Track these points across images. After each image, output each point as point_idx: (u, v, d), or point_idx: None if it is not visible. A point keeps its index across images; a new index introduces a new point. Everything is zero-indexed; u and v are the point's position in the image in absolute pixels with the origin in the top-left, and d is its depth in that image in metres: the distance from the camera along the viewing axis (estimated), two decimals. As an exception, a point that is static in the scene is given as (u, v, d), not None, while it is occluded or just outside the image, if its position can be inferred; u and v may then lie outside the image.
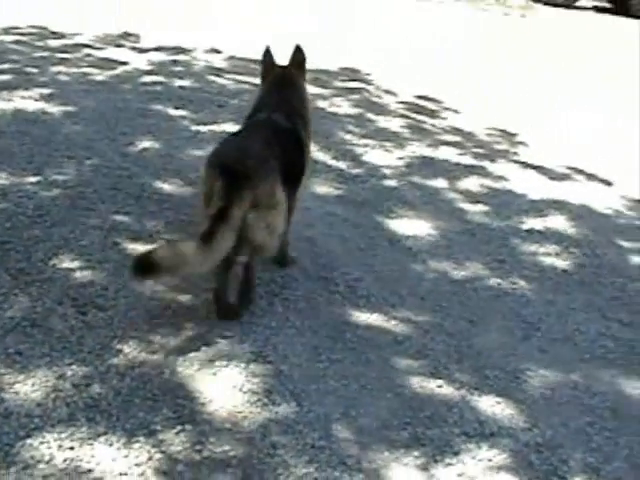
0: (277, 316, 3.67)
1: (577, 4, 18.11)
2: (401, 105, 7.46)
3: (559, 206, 5.53)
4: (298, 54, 4.20)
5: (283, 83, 4.14)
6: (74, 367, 3.11)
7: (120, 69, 7.21)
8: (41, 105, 5.98)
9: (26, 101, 6.02)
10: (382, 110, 7.16)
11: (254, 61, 7.88)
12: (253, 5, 11.67)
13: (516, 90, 8.78)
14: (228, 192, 3.33)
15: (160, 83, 6.88)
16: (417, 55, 9.79)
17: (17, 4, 9.53)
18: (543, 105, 8.27)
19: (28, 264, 3.78)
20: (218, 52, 8.13)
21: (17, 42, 7.81)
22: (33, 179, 4.68)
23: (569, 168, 6.35)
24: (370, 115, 6.95)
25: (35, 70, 6.89)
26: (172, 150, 5.40)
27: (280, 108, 3.98)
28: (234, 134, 3.96)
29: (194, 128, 5.88)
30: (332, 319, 3.74)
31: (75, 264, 3.82)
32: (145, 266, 3.22)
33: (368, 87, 7.92)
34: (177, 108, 6.23)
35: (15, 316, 3.38)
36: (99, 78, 6.87)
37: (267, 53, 4.22)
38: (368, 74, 8.36)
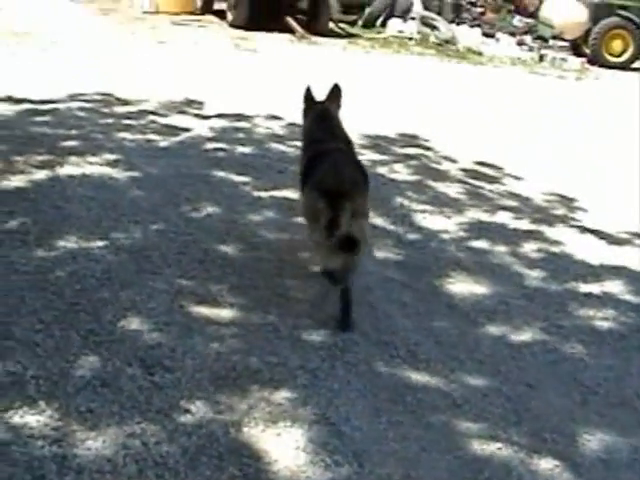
0: (339, 379, 3.74)
1: (634, 65, 18.14)
2: (460, 171, 7.54)
3: (617, 271, 5.55)
4: (335, 90, 4.99)
5: (326, 116, 4.86)
6: (143, 426, 3.21)
7: (184, 135, 7.40)
8: (107, 171, 6.18)
9: (93, 167, 6.21)
10: (441, 176, 7.24)
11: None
12: (311, 74, 11.90)
13: (574, 154, 8.82)
14: (334, 206, 4.06)
15: (222, 149, 7.05)
16: (475, 120, 9.88)
17: (84, 71, 9.87)
18: (601, 169, 8.30)
19: (98, 325, 3.91)
20: (278, 119, 8.30)
21: (83, 109, 8.05)
22: (101, 243, 4.84)
23: (628, 233, 6.36)
24: (429, 181, 7.04)
25: (101, 136, 7.11)
26: (235, 215, 5.54)
27: (337, 137, 4.74)
28: (314, 161, 4.52)
29: (256, 194, 6.02)
30: (392, 382, 3.81)
31: (143, 326, 3.95)
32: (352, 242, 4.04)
33: (427, 153, 8.01)
34: (239, 174, 6.38)
35: (86, 375, 3.51)
36: (163, 144, 7.07)
37: (308, 91, 4.97)
38: (427, 140, 8.46)
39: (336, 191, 4.15)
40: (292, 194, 5.98)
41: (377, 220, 5.80)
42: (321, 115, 4.87)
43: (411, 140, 8.47)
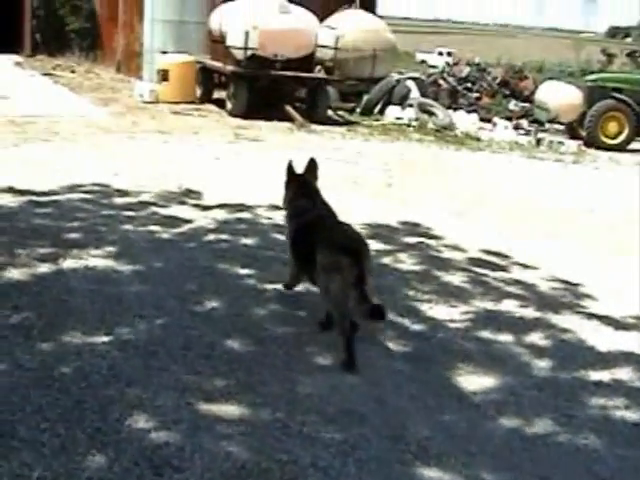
0: (350, 477, 3.67)
1: (630, 147, 18.34)
2: (465, 259, 7.51)
3: (626, 357, 5.49)
4: (312, 163, 5.69)
5: (308, 187, 5.64)
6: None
7: (185, 227, 7.40)
8: (110, 263, 6.17)
9: (96, 259, 6.21)
10: (445, 265, 7.22)
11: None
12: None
13: (577, 239, 8.82)
14: (358, 263, 4.80)
15: (225, 241, 7.05)
16: (477, 207, 9.91)
17: (84, 161, 9.94)
18: (605, 254, 8.29)
19: (104, 424, 3.85)
20: (281, 209, 8.30)
21: (84, 200, 8.09)
22: (106, 338, 4.80)
23: (634, 317, 6.32)
24: (434, 270, 7.01)
25: (104, 228, 7.12)
26: (240, 309, 5.51)
27: (323, 204, 5.59)
28: (312, 224, 5.34)
29: (260, 286, 6.00)
30: (404, 479, 3.73)
31: (150, 424, 3.88)
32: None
33: (430, 241, 7.99)
34: (243, 267, 6.37)
35: (93, 476, 3.45)
36: (165, 236, 7.07)
37: (290, 166, 5.65)
38: (429, 228, 8.46)
39: (357, 250, 4.91)
40: (298, 286, 5.97)
41: (384, 311, 5.77)
42: (304, 186, 5.63)
43: (414, 228, 8.47)
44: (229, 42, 15.77)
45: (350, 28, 19.44)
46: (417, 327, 5.67)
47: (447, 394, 4.70)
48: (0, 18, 34.09)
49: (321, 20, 18.08)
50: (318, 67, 17.41)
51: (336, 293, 4.85)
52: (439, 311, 6.03)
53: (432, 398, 4.61)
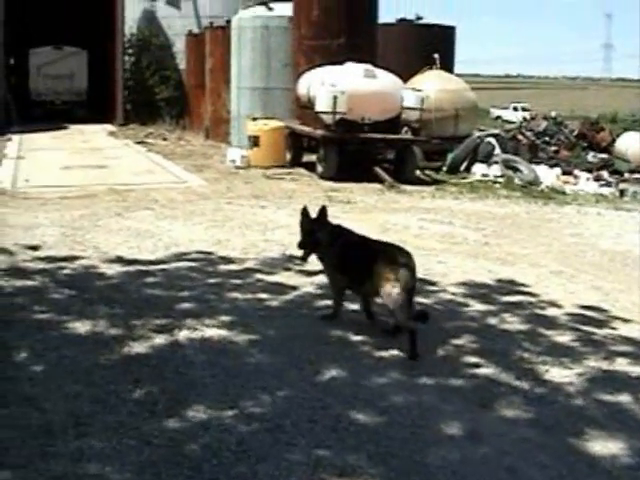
0: None
1: None
2: (567, 316, 7.37)
3: None
4: (323, 210, 6.48)
5: (327, 222, 6.56)
6: None
7: (292, 294, 7.39)
8: (225, 333, 6.19)
9: (211, 330, 6.24)
10: (550, 324, 7.08)
11: (423, 281, 8.06)
12: (405, 221, 11.95)
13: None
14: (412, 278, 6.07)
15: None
16: (573, 262, 9.72)
17: (186, 229, 10.08)
18: None
19: (238, 504, 3.80)
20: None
21: (190, 269, 8.18)
22: (231, 412, 4.77)
23: None
24: (540, 329, 6.89)
25: (213, 296, 7.17)
26: (358, 378, 5.44)
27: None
28: (357, 243, 6.51)
29: (377, 354, 5.94)
30: None
31: (287, 503, 3.82)
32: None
33: (531, 299, 7.87)
34: (356, 334, 6.32)
35: None
36: (274, 304, 7.06)
37: (305, 210, 6.53)
38: (529, 286, 8.32)
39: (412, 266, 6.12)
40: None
41: (501, 375, 5.67)
42: (324, 221, 6.52)
43: (514, 287, 8.33)
44: (318, 107, 15.93)
45: (433, 89, 19.54)
46: (537, 391, 5.53)
47: (578, 461, 4.55)
48: (93, 89, 35.42)
49: (404, 81, 18.19)
50: (405, 128, 17.45)
51: (402, 298, 5.90)
52: (555, 373, 5.89)
53: (563, 466, 4.46)
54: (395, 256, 6.11)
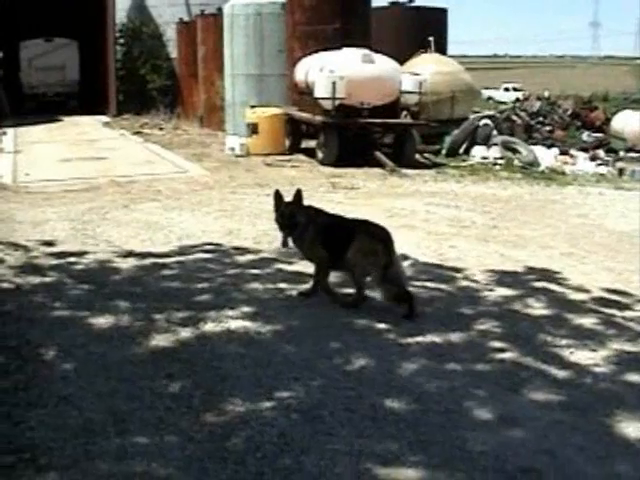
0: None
1: None
2: (588, 299, 7.39)
3: None
4: (298, 193, 6.71)
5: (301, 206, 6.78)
6: None
7: (311, 282, 7.36)
8: (249, 324, 6.19)
9: (235, 321, 6.24)
10: (573, 307, 7.10)
11: (439, 266, 8.06)
12: (414, 205, 11.95)
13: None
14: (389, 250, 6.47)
15: (356, 295, 7.02)
16: (584, 244, 9.73)
17: (191, 220, 10.07)
18: None
19: (291, 495, 3.82)
20: (406, 258, 8.27)
21: (206, 260, 8.19)
22: (268, 404, 4.79)
23: None
24: (564, 313, 6.90)
25: (232, 287, 7.18)
26: (389, 365, 5.45)
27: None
28: (337, 225, 6.85)
29: (402, 340, 5.95)
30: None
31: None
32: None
33: (550, 284, 7.87)
34: (379, 321, 6.34)
35: None
36: (295, 293, 7.06)
37: (278, 193, 6.80)
38: (545, 270, 8.32)
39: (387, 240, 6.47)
40: (437, 338, 5.93)
41: (527, 359, 5.69)
42: (300, 203, 6.76)
43: (531, 271, 8.34)
44: (317, 93, 15.90)
45: (429, 72, 19.51)
46: (564, 374, 5.55)
47: (614, 443, 4.58)
48: (85, 80, 35.30)
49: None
50: (404, 112, 17.44)
51: (367, 270, 6.44)
52: (581, 356, 5.91)
53: (601, 448, 4.49)
54: (374, 232, 6.54)
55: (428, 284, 7.48)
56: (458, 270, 8.03)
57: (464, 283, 7.60)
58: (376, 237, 6.46)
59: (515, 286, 7.66)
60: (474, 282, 7.63)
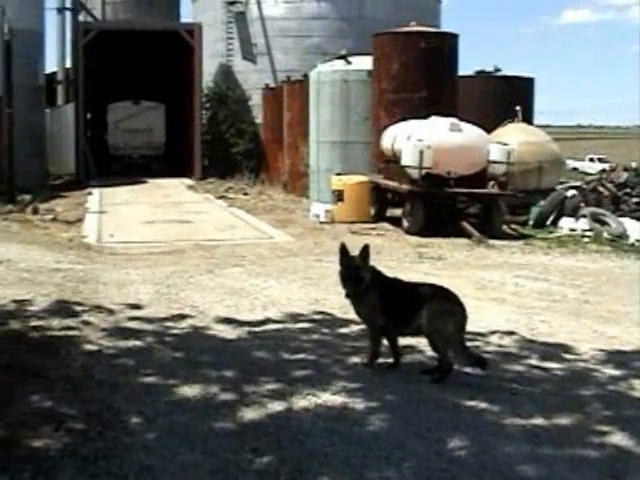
0: None
1: None
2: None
3: None
4: (365, 249, 6.48)
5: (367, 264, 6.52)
6: None
7: (408, 357, 7.02)
8: (341, 399, 5.92)
9: (326, 395, 5.99)
10: None
11: (544, 344, 7.75)
12: (506, 279, 11.68)
13: None
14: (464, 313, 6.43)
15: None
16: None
17: (287, 288, 9.94)
18: None
19: None
20: (511, 334, 8.00)
21: (303, 330, 8.00)
22: (359, 485, 4.56)
23: None
24: None
25: (329, 361, 6.93)
26: (484, 446, 5.17)
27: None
28: (401, 289, 6.65)
29: (499, 421, 5.65)
30: None
31: None
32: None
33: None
34: (471, 399, 6.05)
35: None
36: (384, 366, 6.79)
37: (343, 247, 6.52)
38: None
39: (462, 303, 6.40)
40: (539, 421, 5.63)
41: (630, 444, 5.34)
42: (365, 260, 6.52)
43: (624, 349, 7.98)
44: (404, 162, 15.83)
45: (516, 141, 19.31)
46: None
47: None
48: (170, 143, 35.95)
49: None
50: (491, 182, 17.24)
51: (452, 332, 6.24)
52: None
53: None
54: (447, 295, 6.43)
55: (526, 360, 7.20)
56: (552, 345, 7.72)
57: (560, 361, 7.27)
58: (450, 299, 6.39)
59: (619, 366, 7.30)
60: (571, 361, 7.29)
